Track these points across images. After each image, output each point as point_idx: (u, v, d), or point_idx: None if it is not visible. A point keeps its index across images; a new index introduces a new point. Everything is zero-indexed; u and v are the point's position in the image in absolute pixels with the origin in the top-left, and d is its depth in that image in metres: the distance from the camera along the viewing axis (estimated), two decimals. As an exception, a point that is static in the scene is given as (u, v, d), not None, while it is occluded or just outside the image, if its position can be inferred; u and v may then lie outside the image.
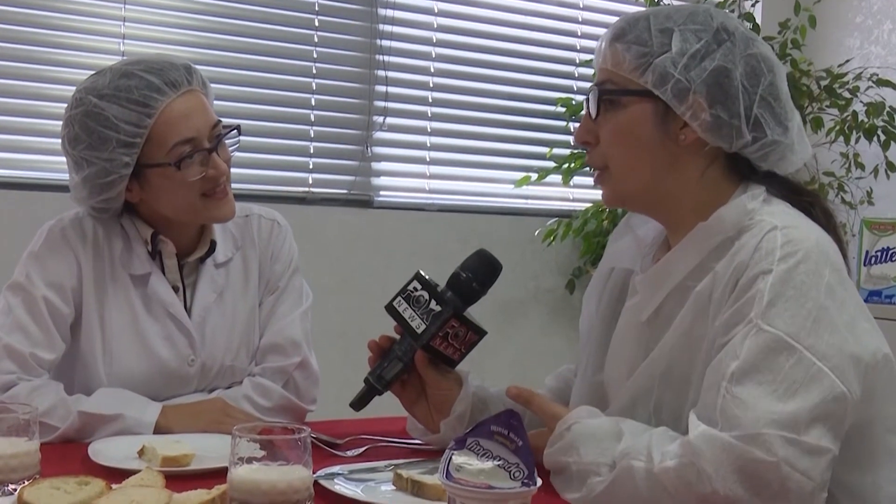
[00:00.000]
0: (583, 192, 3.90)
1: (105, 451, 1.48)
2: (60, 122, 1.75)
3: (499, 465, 1.08)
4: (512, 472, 1.07)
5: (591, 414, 1.39)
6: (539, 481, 1.09)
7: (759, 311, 1.27)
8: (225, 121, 1.79)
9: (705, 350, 1.35)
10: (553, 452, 1.37)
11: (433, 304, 1.52)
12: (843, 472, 1.30)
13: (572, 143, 3.87)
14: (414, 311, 1.53)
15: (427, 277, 1.55)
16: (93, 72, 1.77)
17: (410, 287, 1.55)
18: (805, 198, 1.46)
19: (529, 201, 3.86)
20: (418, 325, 1.53)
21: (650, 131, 1.40)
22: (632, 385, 1.44)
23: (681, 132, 1.39)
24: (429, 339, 1.53)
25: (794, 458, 1.19)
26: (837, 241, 1.39)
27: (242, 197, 1.84)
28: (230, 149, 1.80)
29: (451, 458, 1.10)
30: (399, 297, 1.55)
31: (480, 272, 1.56)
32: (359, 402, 1.58)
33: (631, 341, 1.48)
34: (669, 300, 1.43)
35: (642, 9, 1.51)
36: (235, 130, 1.80)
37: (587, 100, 1.45)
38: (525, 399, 1.48)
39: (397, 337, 1.58)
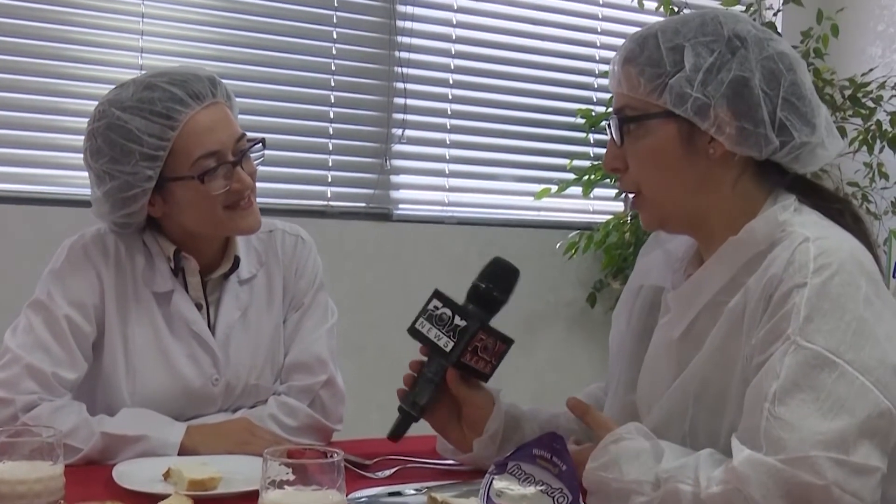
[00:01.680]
0: (603, 204, 3.86)
1: (130, 473, 1.45)
2: (77, 137, 1.73)
3: (542, 490, 1.05)
4: (556, 498, 1.04)
5: (640, 432, 1.35)
6: (584, 507, 1.05)
7: (796, 327, 1.24)
8: (248, 134, 1.76)
9: (740, 368, 1.32)
10: (595, 468, 1.32)
11: (458, 320, 1.49)
12: (887, 487, 1.25)
13: (592, 155, 3.84)
14: (439, 329, 1.49)
15: (446, 294, 1.51)
16: (111, 86, 1.74)
17: (431, 306, 1.51)
18: (835, 204, 1.43)
19: (549, 213, 3.82)
20: (446, 343, 1.49)
21: (678, 151, 1.37)
22: (665, 404, 1.41)
23: (709, 146, 1.36)
24: (459, 355, 1.49)
25: (843, 480, 1.16)
26: (869, 248, 1.36)
27: (261, 211, 1.81)
28: (255, 162, 1.77)
29: (491, 482, 1.06)
30: (421, 319, 1.51)
31: (499, 280, 1.53)
32: (395, 432, 1.54)
33: (664, 360, 1.45)
34: (701, 317, 1.40)
35: (655, 19, 1.46)
36: (260, 143, 1.77)
37: (609, 126, 1.42)
38: (582, 411, 1.46)
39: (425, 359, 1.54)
